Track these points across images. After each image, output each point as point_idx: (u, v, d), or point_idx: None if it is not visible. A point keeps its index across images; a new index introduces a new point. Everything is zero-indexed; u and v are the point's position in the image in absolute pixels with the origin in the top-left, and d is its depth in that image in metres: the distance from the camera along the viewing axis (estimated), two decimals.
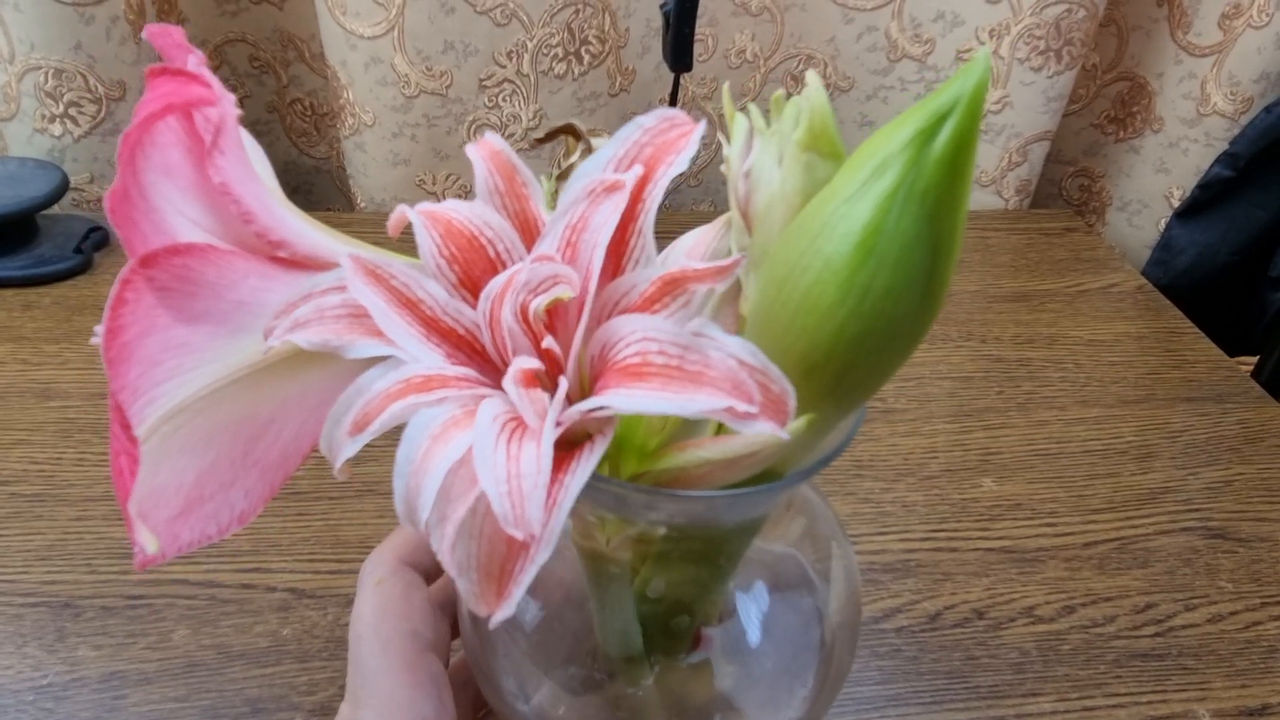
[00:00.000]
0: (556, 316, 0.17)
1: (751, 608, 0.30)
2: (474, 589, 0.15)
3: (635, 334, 0.16)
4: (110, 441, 0.22)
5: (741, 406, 0.15)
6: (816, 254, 0.20)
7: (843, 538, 0.31)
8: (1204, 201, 0.66)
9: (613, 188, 0.17)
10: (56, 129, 0.61)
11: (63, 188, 0.57)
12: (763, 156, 0.24)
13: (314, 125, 0.74)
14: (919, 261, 0.20)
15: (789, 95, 0.23)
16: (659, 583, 0.25)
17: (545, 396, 0.16)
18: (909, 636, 0.39)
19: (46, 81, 0.59)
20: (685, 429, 0.24)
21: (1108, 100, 0.75)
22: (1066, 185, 0.80)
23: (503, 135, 0.62)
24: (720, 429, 0.25)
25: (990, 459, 0.48)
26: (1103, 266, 0.66)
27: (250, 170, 0.24)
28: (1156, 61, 0.70)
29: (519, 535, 0.14)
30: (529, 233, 0.18)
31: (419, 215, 0.18)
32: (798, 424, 0.22)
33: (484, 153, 0.19)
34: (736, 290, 0.25)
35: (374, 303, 0.17)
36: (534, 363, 0.16)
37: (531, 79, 0.63)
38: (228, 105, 0.24)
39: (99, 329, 0.25)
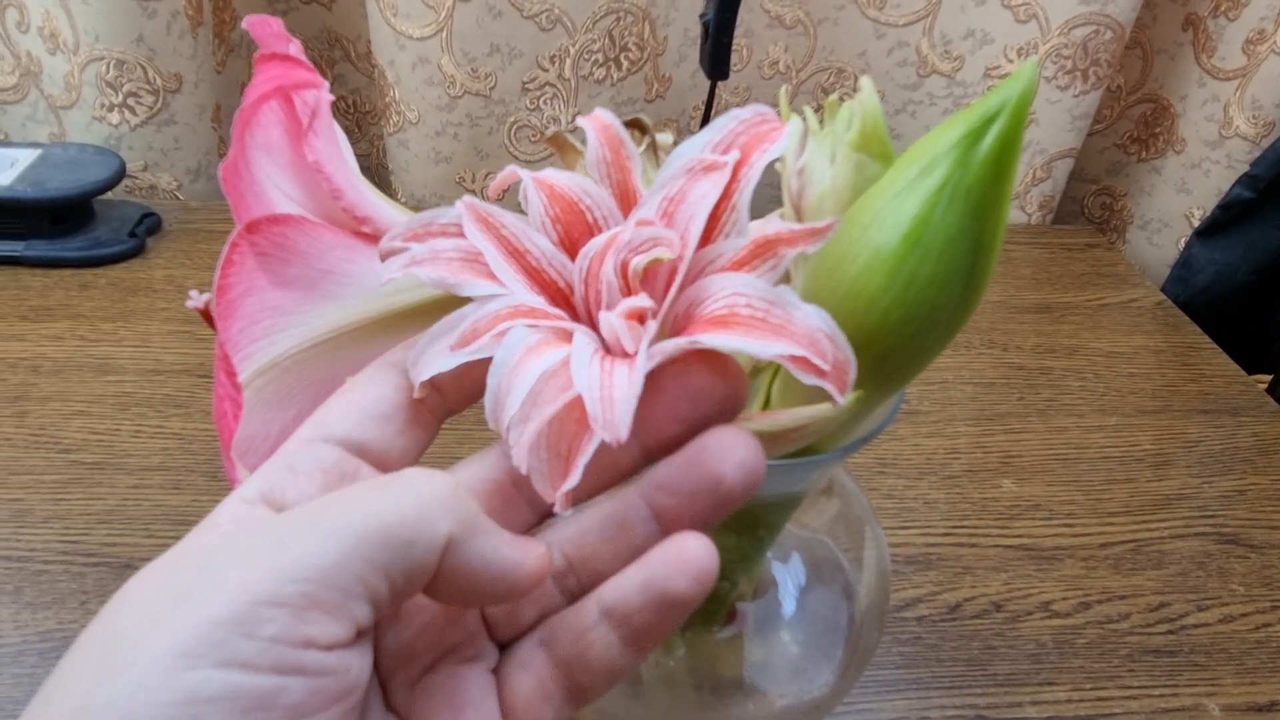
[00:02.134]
0: (648, 279, 0.19)
1: (785, 586, 0.31)
2: (541, 468, 0.17)
3: (725, 290, 0.17)
4: (215, 389, 0.24)
5: (815, 359, 0.16)
6: (866, 244, 0.22)
7: (875, 523, 0.32)
8: (1224, 221, 0.67)
9: (711, 166, 0.19)
10: (114, 118, 0.64)
11: (120, 173, 0.59)
12: (816, 155, 0.25)
13: (356, 123, 0.77)
14: (962, 254, 0.22)
15: (841, 99, 0.25)
16: None
17: (641, 328, 0.18)
18: (929, 625, 0.40)
19: (108, 72, 0.61)
20: None
21: (1131, 121, 0.77)
22: (1089, 203, 0.82)
23: (542, 137, 0.64)
24: (767, 405, 0.26)
25: (1010, 461, 0.50)
26: (1123, 282, 0.67)
27: (339, 151, 0.26)
28: (1180, 84, 0.72)
29: (608, 438, 0.16)
30: (627, 203, 0.20)
31: (530, 177, 0.19)
32: (849, 399, 0.24)
33: (596, 125, 0.20)
34: (784, 275, 0.26)
35: (486, 247, 0.19)
36: (638, 301, 0.18)
37: (572, 83, 0.65)
38: (324, 91, 0.26)
39: (194, 292, 0.27)
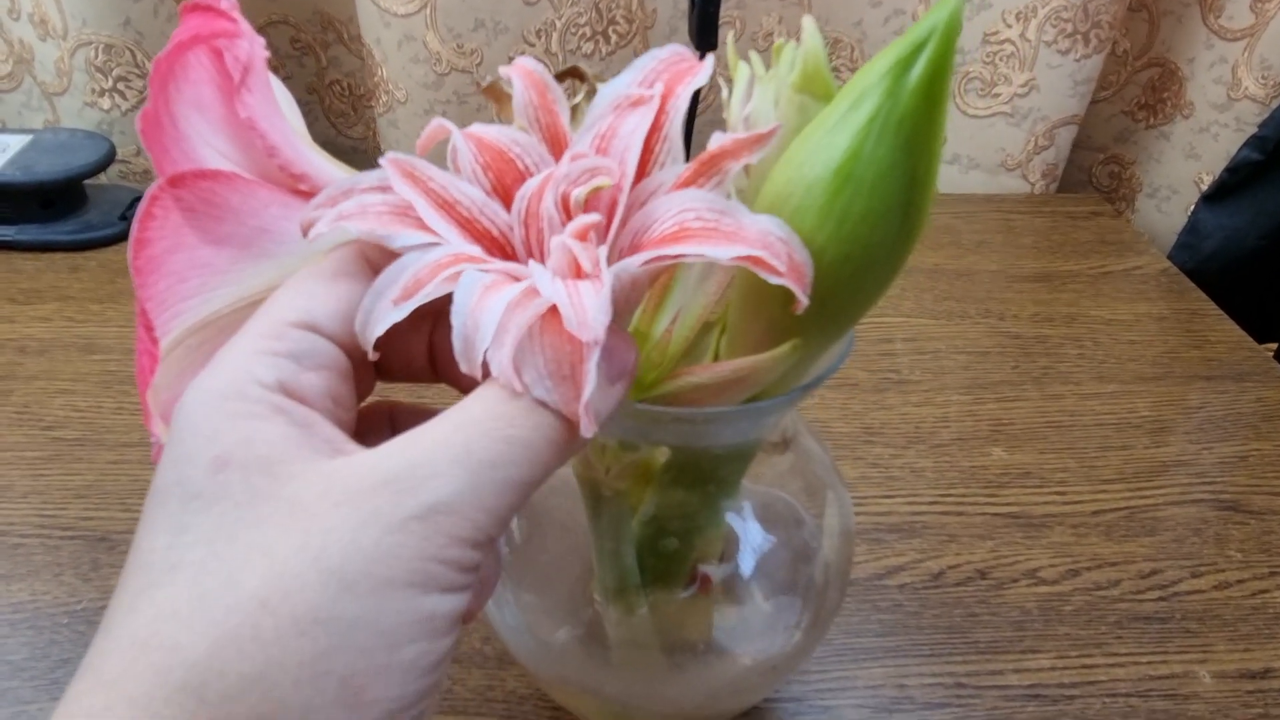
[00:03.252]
0: (589, 211, 0.18)
1: (747, 546, 0.31)
2: (554, 396, 0.16)
3: (672, 209, 0.17)
4: (136, 344, 0.24)
5: (770, 259, 0.17)
6: (800, 182, 0.21)
7: (838, 481, 0.31)
8: (1232, 185, 0.65)
9: (639, 101, 0.19)
10: (105, 103, 0.64)
11: (109, 157, 0.59)
12: (761, 101, 0.25)
13: (351, 106, 0.77)
14: (896, 188, 0.21)
15: (788, 42, 0.24)
16: (651, 507, 0.26)
17: (595, 246, 0.17)
18: (911, 593, 0.40)
19: (97, 56, 0.62)
20: (684, 357, 0.25)
21: (1138, 86, 0.75)
22: (1096, 172, 0.80)
23: (478, 88, 0.64)
24: (716, 358, 0.26)
25: (1002, 429, 0.49)
26: (1128, 250, 0.66)
27: (276, 108, 0.26)
28: (1188, 46, 0.70)
29: (586, 339, 0.15)
30: (558, 147, 0.20)
31: (458, 131, 0.19)
32: (784, 349, 0.23)
33: (520, 71, 0.20)
34: None
35: (416, 199, 0.18)
36: (586, 218, 0.17)
37: (559, 58, 0.64)
38: (256, 46, 0.26)
39: (131, 259, 0.27)
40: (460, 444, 0.16)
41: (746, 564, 0.30)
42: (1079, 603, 0.39)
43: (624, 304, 0.19)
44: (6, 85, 0.67)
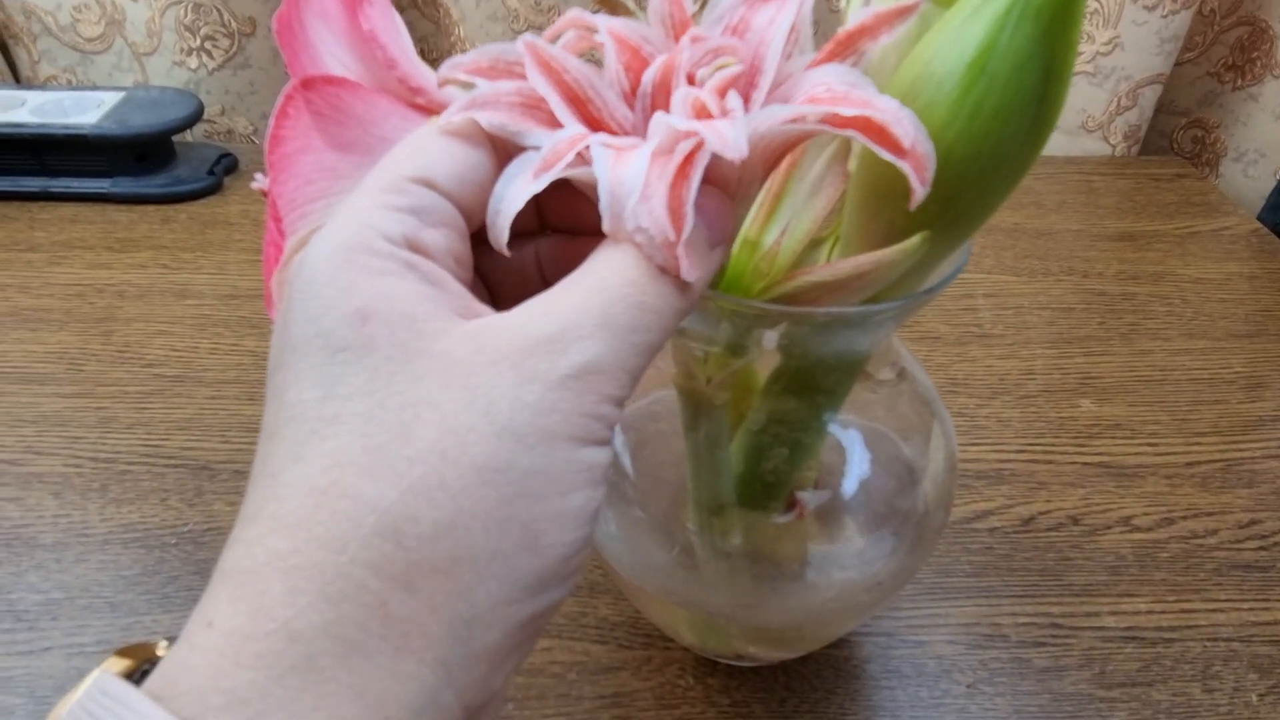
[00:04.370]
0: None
1: (850, 471, 0.31)
2: (659, 235, 0.16)
3: (806, 85, 0.17)
4: (265, 235, 0.24)
5: (895, 132, 0.16)
6: (929, 78, 0.21)
7: (940, 406, 0.31)
8: None
9: None
10: (193, 62, 0.66)
11: (198, 113, 0.61)
12: (881, 4, 0.25)
13: None
14: (1031, 81, 0.21)
15: None
16: (761, 415, 0.26)
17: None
18: (1001, 536, 0.39)
19: (186, 15, 0.63)
20: (799, 256, 0.25)
21: (1225, 47, 0.73)
22: (1178, 137, 0.78)
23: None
24: (829, 258, 0.26)
25: (1090, 382, 0.48)
26: (1214, 211, 0.64)
27: (394, 24, 0.26)
28: (1279, 4, 0.67)
29: (732, 155, 0.16)
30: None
31: (605, 27, 0.19)
32: (912, 241, 0.23)
33: None
34: (846, 149, 0.26)
35: (549, 93, 0.18)
36: (731, 70, 0.17)
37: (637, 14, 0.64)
38: None
39: (259, 175, 0.28)
40: (598, 309, 0.16)
41: (848, 489, 0.30)
42: (1175, 550, 0.39)
43: (747, 173, 0.19)
44: (98, 47, 0.69)
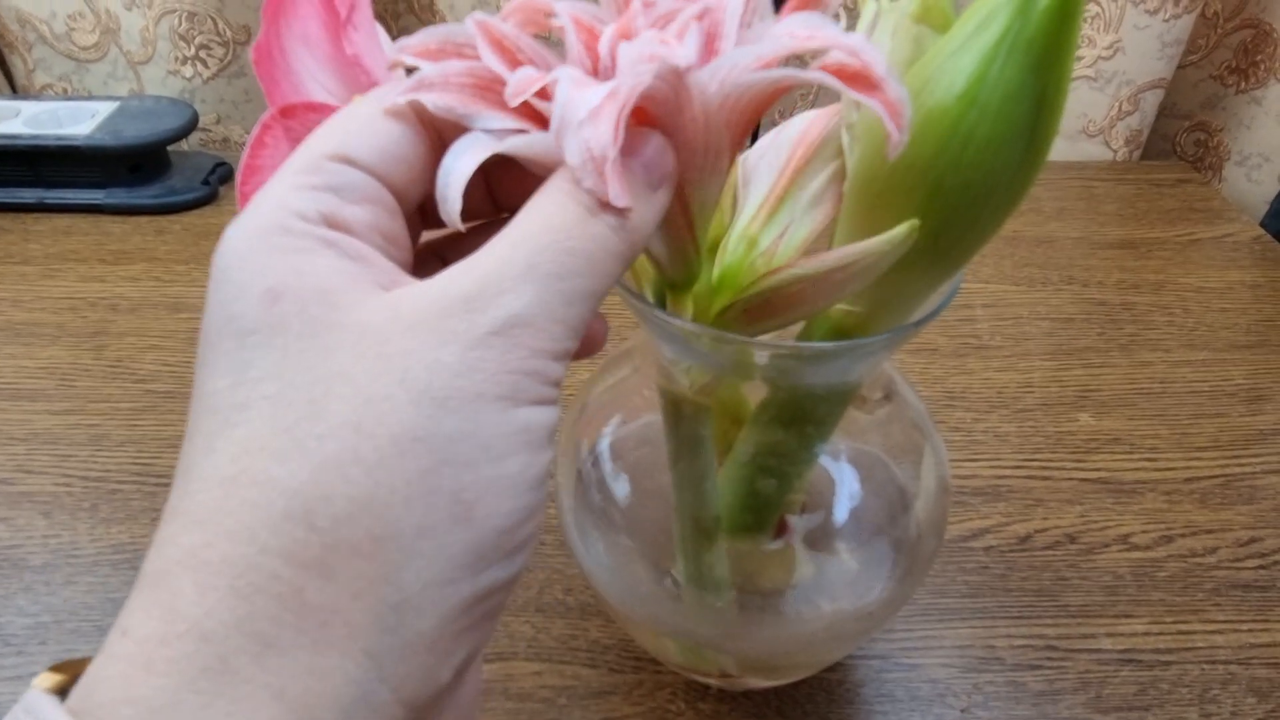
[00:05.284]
0: None
1: (840, 497, 0.30)
2: (590, 172, 0.16)
3: (776, 32, 0.17)
4: None
5: (865, 67, 0.16)
6: (920, 108, 0.21)
7: (933, 431, 0.31)
8: None
9: None
10: (188, 71, 0.65)
11: (193, 122, 0.61)
12: (880, 33, 0.24)
13: None
14: (1022, 112, 0.20)
15: None
16: (750, 446, 0.26)
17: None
18: (997, 555, 0.39)
19: (180, 24, 0.63)
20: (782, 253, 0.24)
21: (1229, 50, 0.72)
22: (1181, 140, 0.77)
23: None
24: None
25: (1089, 395, 0.47)
26: (1217, 217, 0.63)
27: (379, 46, 0.26)
28: None
29: (680, 61, 0.15)
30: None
31: (564, 10, 0.18)
32: (899, 230, 0.22)
33: None
34: (841, 173, 0.25)
35: (505, 74, 0.17)
36: (690, 9, 0.17)
37: None
38: None
39: (240, 185, 0.27)
40: (522, 260, 0.15)
41: (838, 515, 0.30)
42: (1173, 569, 0.38)
43: (713, 137, 0.18)
44: (93, 55, 0.69)
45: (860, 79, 0.16)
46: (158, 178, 0.61)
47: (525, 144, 0.17)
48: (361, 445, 0.14)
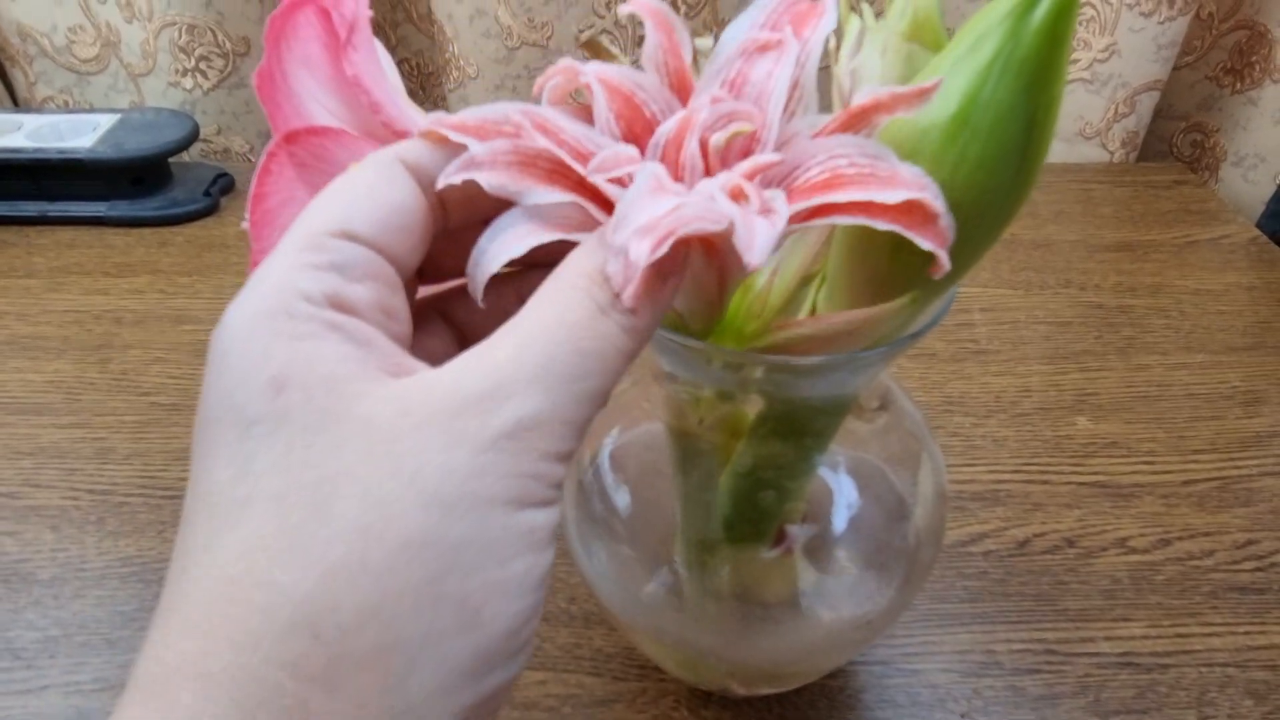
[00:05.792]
0: (727, 159, 0.18)
1: (838, 506, 0.31)
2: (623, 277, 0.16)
3: (820, 154, 0.17)
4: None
5: (929, 204, 0.16)
6: (911, 127, 0.21)
7: (930, 440, 0.31)
8: None
9: (767, 45, 0.18)
10: (188, 83, 0.66)
11: (194, 134, 0.61)
12: (869, 51, 0.24)
13: (420, 85, 0.77)
14: (1014, 133, 0.21)
15: None
16: (748, 459, 0.26)
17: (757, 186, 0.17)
18: (996, 560, 0.39)
19: (180, 37, 0.63)
20: (783, 309, 0.25)
21: (1224, 51, 0.72)
22: (1177, 141, 0.77)
23: (578, 42, 0.64)
24: (813, 311, 0.26)
25: (1086, 399, 0.48)
26: (1213, 219, 0.64)
27: (379, 66, 0.26)
28: (1278, 7, 0.67)
29: (750, 260, 0.15)
30: (683, 93, 0.19)
31: (594, 75, 0.18)
32: (901, 301, 0.23)
33: (647, 10, 0.19)
34: None
35: (554, 150, 0.17)
36: (764, 158, 0.17)
37: (629, 29, 0.64)
38: (360, 6, 0.26)
39: (249, 215, 0.28)
40: (534, 360, 0.15)
41: (837, 524, 0.30)
42: (1171, 572, 0.39)
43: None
44: (93, 68, 0.69)
45: (923, 214, 0.16)
46: (160, 190, 0.61)
47: (565, 238, 0.17)
48: (369, 551, 0.14)
